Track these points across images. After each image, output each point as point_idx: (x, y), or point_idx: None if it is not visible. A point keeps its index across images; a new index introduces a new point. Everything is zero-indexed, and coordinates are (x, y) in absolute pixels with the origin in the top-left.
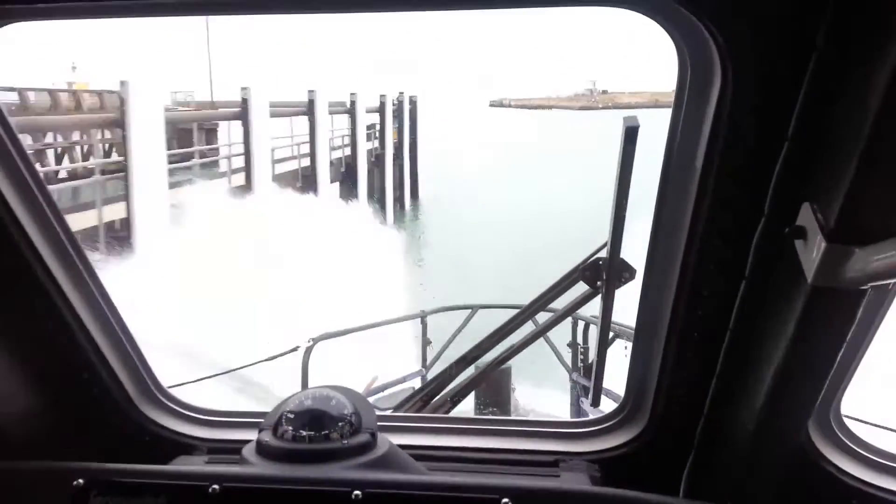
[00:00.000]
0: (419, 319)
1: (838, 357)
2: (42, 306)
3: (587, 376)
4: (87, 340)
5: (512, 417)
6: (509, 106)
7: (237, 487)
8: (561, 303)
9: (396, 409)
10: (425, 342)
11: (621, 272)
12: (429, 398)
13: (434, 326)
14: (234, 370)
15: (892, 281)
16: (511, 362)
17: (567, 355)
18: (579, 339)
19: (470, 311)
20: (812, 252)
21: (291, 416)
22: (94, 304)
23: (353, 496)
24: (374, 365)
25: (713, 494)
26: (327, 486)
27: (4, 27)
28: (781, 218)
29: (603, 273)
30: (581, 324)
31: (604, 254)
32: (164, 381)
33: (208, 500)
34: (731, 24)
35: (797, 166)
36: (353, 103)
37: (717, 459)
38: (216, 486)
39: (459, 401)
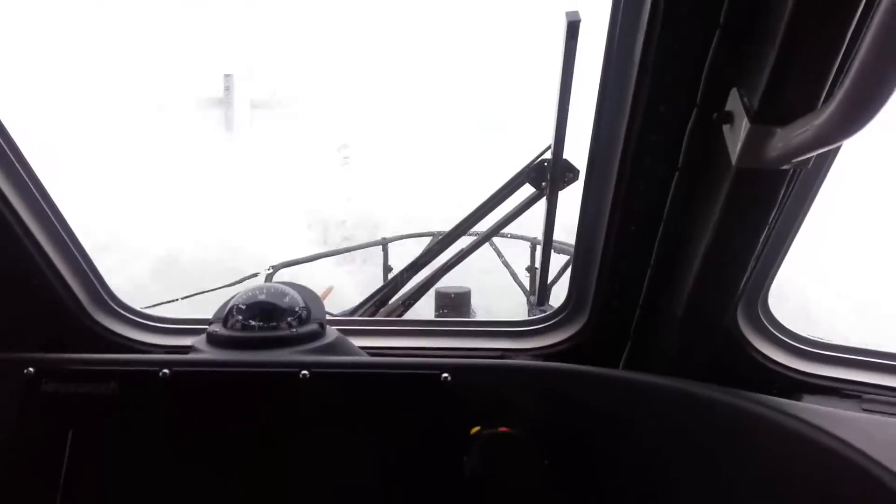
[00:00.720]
0: (380, 247)
1: (761, 239)
2: None
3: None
4: (34, 248)
5: (460, 319)
6: None
7: (187, 371)
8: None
9: (350, 314)
10: (386, 269)
11: (565, 172)
12: (381, 303)
13: (395, 254)
14: (192, 295)
15: (810, 156)
16: (470, 286)
17: (527, 282)
18: (537, 264)
19: (431, 237)
20: (738, 135)
21: (242, 307)
22: (40, 212)
23: (300, 375)
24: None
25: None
26: (275, 367)
27: None
28: (713, 106)
29: (547, 174)
30: (539, 248)
31: (549, 155)
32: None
33: (158, 384)
34: None
35: (728, 53)
36: None
37: (651, 347)
38: (166, 371)
39: (411, 305)
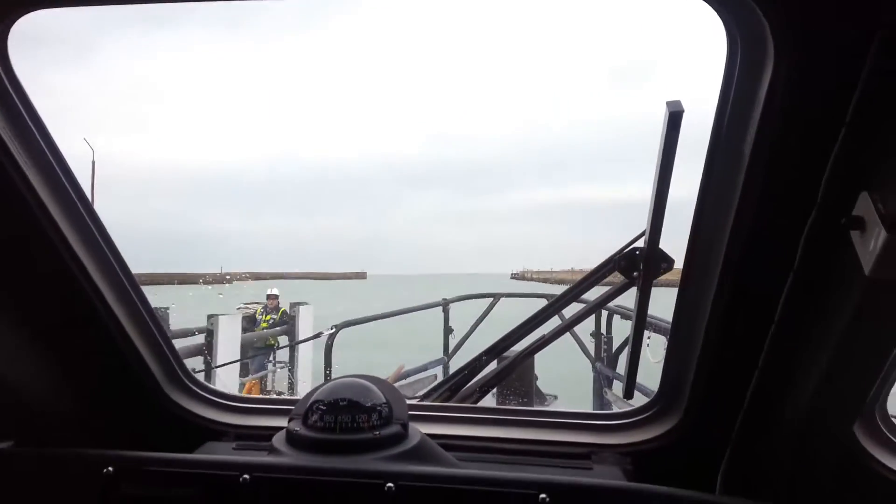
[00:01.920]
0: (441, 308)
1: (893, 353)
2: (73, 296)
3: (611, 367)
4: (116, 329)
5: (541, 408)
6: (530, 279)
7: (267, 477)
8: (591, 296)
9: (423, 398)
10: (447, 330)
11: (659, 262)
12: (457, 388)
13: (456, 315)
14: (243, 360)
15: None
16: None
17: (590, 345)
18: (603, 329)
19: (492, 299)
20: (870, 243)
21: (322, 405)
22: (124, 294)
23: (385, 488)
24: (397, 351)
25: (750, 491)
26: (360, 477)
27: (21, 18)
28: (836, 208)
29: (640, 263)
30: (604, 313)
31: (641, 244)
32: None
33: (238, 490)
34: None
35: (855, 153)
36: None
37: (756, 456)
38: (246, 476)
39: (488, 391)
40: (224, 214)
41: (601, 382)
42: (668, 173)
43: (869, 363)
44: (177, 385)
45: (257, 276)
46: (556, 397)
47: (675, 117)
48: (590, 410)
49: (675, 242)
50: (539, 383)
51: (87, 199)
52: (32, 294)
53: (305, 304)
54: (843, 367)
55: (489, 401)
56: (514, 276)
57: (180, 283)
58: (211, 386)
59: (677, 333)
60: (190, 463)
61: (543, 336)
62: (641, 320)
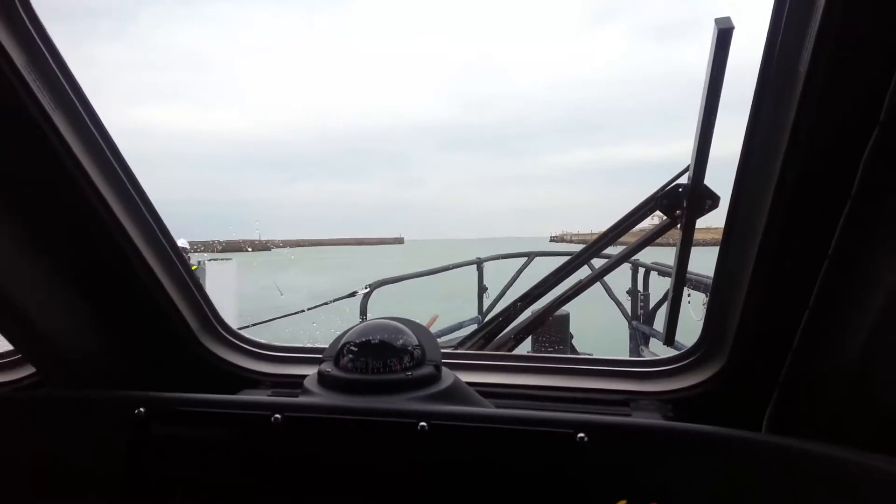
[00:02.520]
0: (475, 266)
1: None
2: (106, 246)
3: (648, 324)
4: (150, 279)
5: (578, 356)
6: (570, 241)
7: (299, 417)
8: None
9: (458, 346)
10: (481, 289)
11: (704, 199)
12: (490, 336)
13: (492, 275)
14: (292, 314)
15: None
16: (569, 309)
17: (627, 304)
18: (640, 287)
19: (526, 258)
20: None
21: (354, 347)
22: (158, 246)
23: (418, 427)
24: (432, 311)
25: (797, 435)
26: (392, 416)
27: None
28: None
29: (683, 200)
30: (641, 270)
31: (684, 180)
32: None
33: (270, 430)
34: None
35: None
36: None
37: (805, 400)
38: (278, 416)
39: (523, 339)
40: (264, 183)
41: (638, 340)
42: (716, 99)
43: None
44: (213, 335)
45: (297, 243)
46: (591, 356)
47: (724, 35)
48: (627, 359)
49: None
50: (575, 342)
51: (118, 150)
52: (67, 243)
53: (220, 259)
54: None
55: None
56: (553, 239)
57: (223, 250)
58: (247, 336)
59: (722, 273)
60: (221, 403)
61: (580, 281)
62: (684, 262)
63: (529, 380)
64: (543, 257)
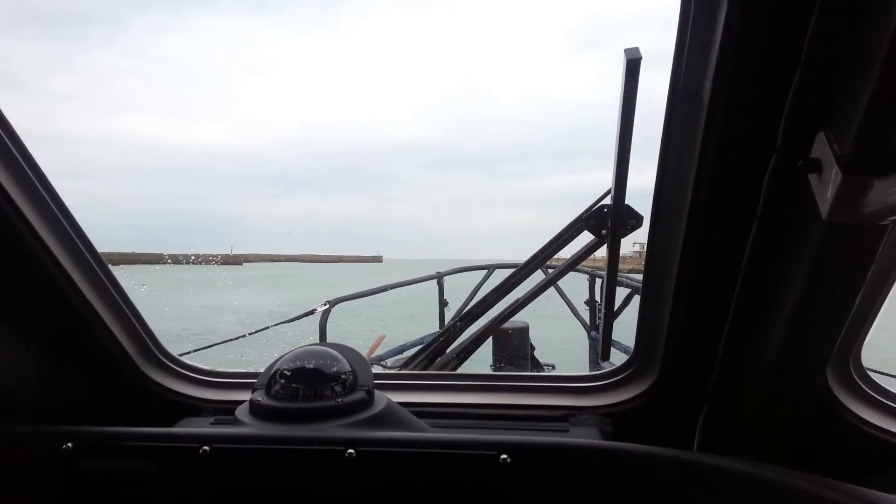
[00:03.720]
0: (435, 281)
1: (857, 299)
2: (36, 274)
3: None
4: (83, 305)
5: (520, 373)
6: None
7: (228, 448)
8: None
9: (401, 367)
10: (442, 303)
11: (627, 219)
12: (434, 356)
13: (455, 289)
14: (248, 335)
15: None
16: (528, 321)
17: (585, 313)
18: (597, 297)
19: (487, 270)
20: (827, 186)
21: (286, 373)
22: (89, 270)
23: (346, 454)
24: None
25: (728, 447)
26: (319, 444)
27: None
28: (795, 151)
29: (608, 220)
30: (599, 281)
31: (608, 201)
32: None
33: (199, 462)
34: None
35: (811, 93)
36: None
37: (732, 410)
38: (206, 448)
39: (466, 357)
40: (239, 197)
41: (597, 350)
42: (630, 125)
43: (834, 311)
44: (152, 361)
45: (272, 258)
46: (553, 367)
47: (633, 65)
48: (568, 374)
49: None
50: (537, 354)
51: (47, 181)
52: None
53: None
54: (809, 316)
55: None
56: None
57: (187, 263)
58: (188, 362)
59: (648, 290)
60: (148, 436)
61: (517, 300)
62: (612, 278)
63: (470, 398)
64: (503, 269)
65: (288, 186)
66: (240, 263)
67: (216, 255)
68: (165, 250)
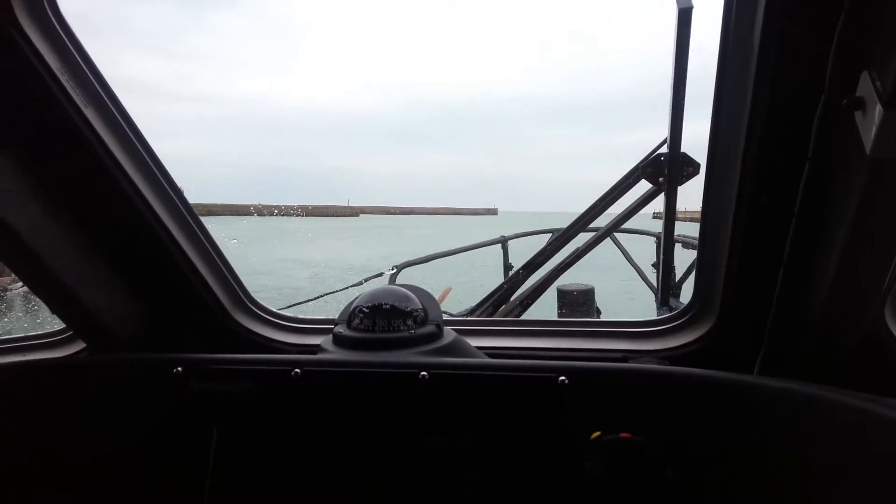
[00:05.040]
0: (500, 245)
1: None
2: (144, 235)
3: (675, 297)
4: (184, 261)
5: (578, 319)
6: (682, 219)
7: (316, 371)
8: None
9: (467, 315)
10: (507, 266)
11: (683, 166)
12: (498, 304)
13: (522, 252)
14: (322, 296)
15: None
16: (594, 283)
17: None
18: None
19: (550, 234)
20: (871, 122)
21: (365, 310)
22: (189, 230)
23: (419, 376)
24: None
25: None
26: (395, 368)
27: None
28: (842, 91)
29: (665, 169)
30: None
31: (665, 149)
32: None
33: (291, 383)
34: None
35: (855, 34)
36: None
37: (789, 352)
38: (297, 371)
39: (528, 305)
40: (357, 152)
41: (664, 313)
42: (684, 73)
43: (881, 246)
44: (241, 308)
45: (388, 211)
46: (592, 319)
47: (684, 14)
48: (627, 319)
49: None
50: (604, 318)
51: (143, 137)
52: (108, 230)
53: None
54: (861, 254)
55: None
56: (656, 216)
57: (308, 215)
58: (272, 309)
59: (706, 237)
60: (248, 361)
61: (578, 248)
62: (670, 226)
63: (530, 342)
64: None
65: (405, 141)
66: (356, 215)
67: (296, 208)
68: (284, 202)
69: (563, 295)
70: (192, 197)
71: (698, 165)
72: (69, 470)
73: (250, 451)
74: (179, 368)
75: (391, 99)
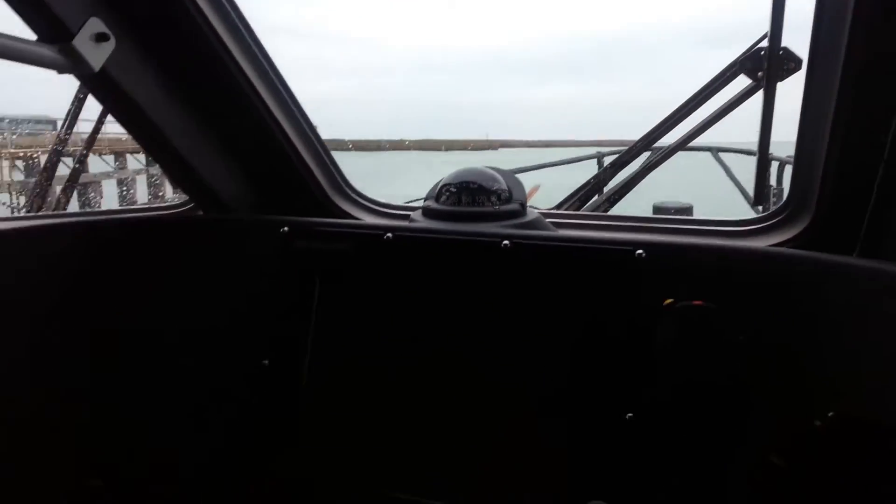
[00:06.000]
0: (595, 160)
1: None
2: (249, 114)
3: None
4: (288, 145)
5: (670, 217)
6: None
7: (405, 236)
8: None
9: (554, 208)
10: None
11: (784, 61)
12: (586, 198)
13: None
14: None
15: None
16: (692, 202)
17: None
18: (773, 182)
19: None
20: None
21: (452, 188)
22: (295, 119)
23: (502, 245)
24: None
25: None
26: (481, 236)
27: None
28: None
29: (764, 63)
30: (775, 164)
31: (766, 43)
32: None
33: (383, 245)
34: None
35: None
36: None
37: (884, 248)
38: (389, 235)
39: (617, 200)
40: (499, 87)
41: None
42: None
43: None
44: (340, 193)
45: (528, 144)
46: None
47: None
48: (719, 218)
49: None
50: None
51: (258, 39)
52: (220, 113)
53: None
54: None
55: None
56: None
57: (447, 149)
58: (370, 196)
59: (804, 134)
60: (346, 225)
61: (668, 146)
62: (767, 122)
63: (616, 237)
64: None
65: (544, 74)
66: (495, 149)
67: (470, 141)
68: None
69: (659, 213)
70: (349, 134)
71: (800, 61)
72: (189, 311)
73: (348, 301)
74: (286, 228)
75: (542, 31)
